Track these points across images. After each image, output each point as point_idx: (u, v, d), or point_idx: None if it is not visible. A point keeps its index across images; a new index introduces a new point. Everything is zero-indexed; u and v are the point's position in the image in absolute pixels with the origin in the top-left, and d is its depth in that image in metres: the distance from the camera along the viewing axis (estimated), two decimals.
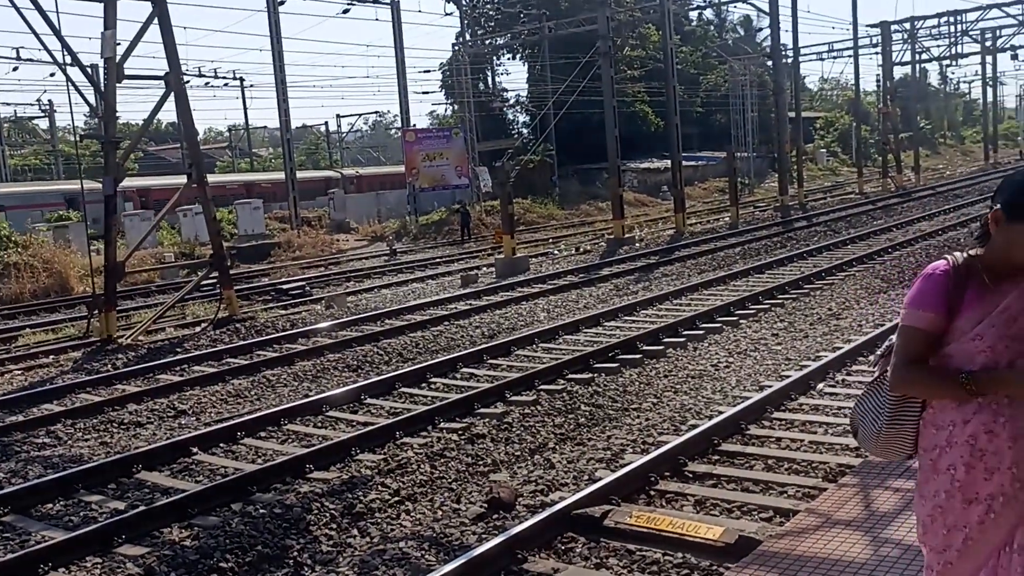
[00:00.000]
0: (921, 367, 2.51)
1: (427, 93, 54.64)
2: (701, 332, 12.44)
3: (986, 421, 2.48)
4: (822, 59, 53.03)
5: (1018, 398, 2.45)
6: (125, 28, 19.76)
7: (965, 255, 2.55)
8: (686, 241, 25.22)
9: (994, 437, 2.48)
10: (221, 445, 8.72)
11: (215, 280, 17.02)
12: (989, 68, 56.24)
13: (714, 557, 5.41)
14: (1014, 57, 47.91)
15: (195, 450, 8.48)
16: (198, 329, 15.51)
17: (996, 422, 2.47)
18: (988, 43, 44.98)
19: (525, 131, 50.27)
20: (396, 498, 7.11)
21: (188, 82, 43.28)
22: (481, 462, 7.85)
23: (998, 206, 2.46)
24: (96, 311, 15.12)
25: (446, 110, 60.14)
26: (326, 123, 68.00)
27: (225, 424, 9.22)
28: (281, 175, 36.98)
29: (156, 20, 15.12)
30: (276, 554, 6.23)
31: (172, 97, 15.52)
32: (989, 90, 61.09)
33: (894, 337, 2.65)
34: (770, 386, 9.22)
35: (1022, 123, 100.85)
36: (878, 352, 2.74)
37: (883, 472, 4.91)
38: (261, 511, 6.82)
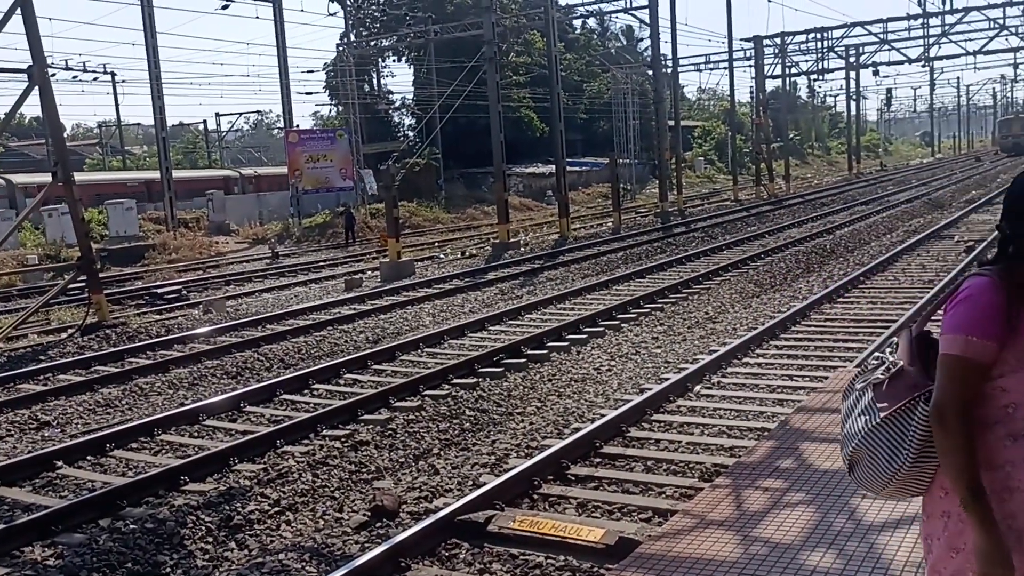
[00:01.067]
0: (968, 433, 2.17)
1: (310, 94, 53.55)
2: (584, 336, 12.64)
3: None
4: (700, 70, 54.74)
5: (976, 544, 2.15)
6: None
7: (1003, 270, 2.20)
8: (570, 246, 25.60)
9: None
10: (88, 458, 8.30)
11: (84, 284, 16.22)
12: (853, 83, 59.40)
13: (595, 559, 5.51)
14: (875, 73, 50.79)
15: (59, 464, 8.05)
16: (64, 336, 14.75)
17: None
18: (852, 59, 47.50)
19: (411, 134, 50.01)
20: (276, 508, 6.94)
21: (55, 75, 41.11)
22: (365, 469, 7.75)
23: None
24: None
25: (330, 111, 59.20)
26: (204, 122, 65.88)
27: (93, 436, 8.79)
28: (187, 173, 35.55)
29: (19, 10, 14.30)
30: (147, 571, 5.98)
31: (36, 91, 14.71)
32: (853, 104, 64.58)
33: (889, 356, 2.36)
34: (650, 389, 9.44)
35: (883, 136, 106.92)
36: (877, 373, 2.38)
37: (754, 473, 5.12)
38: (131, 526, 6.53)
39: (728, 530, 4.23)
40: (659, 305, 14.91)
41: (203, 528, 6.57)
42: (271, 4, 35.71)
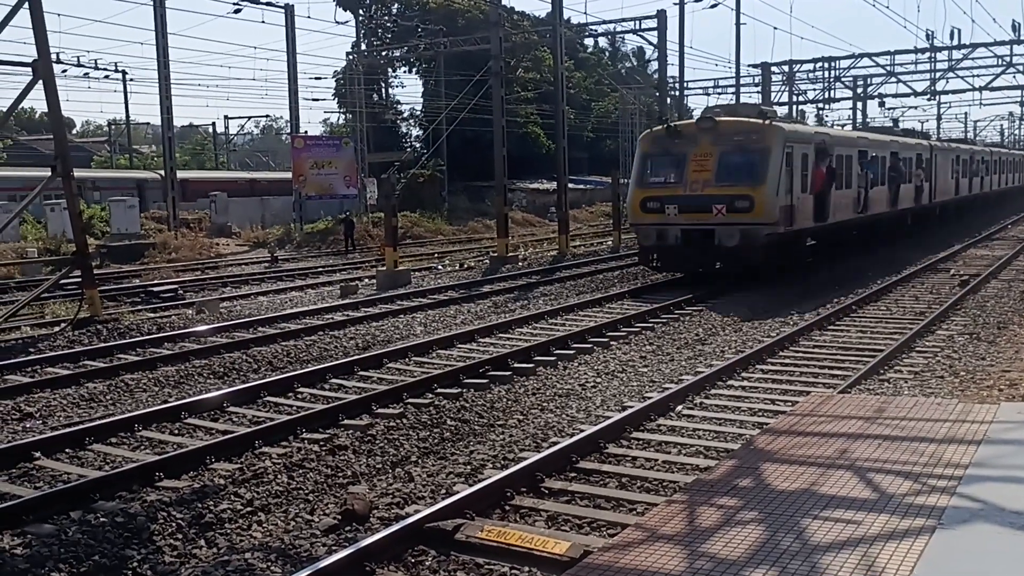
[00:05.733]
0: None
1: (317, 100, 53.72)
2: (572, 352, 12.66)
3: None
4: (708, 94, 55.04)
5: None
6: None
7: None
8: (568, 263, 25.65)
9: None
10: (67, 450, 8.35)
11: (80, 279, 16.31)
12: (860, 114, 59.56)
13: (560, 571, 5.53)
14: (881, 104, 51.02)
15: (37, 455, 8.09)
16: (56, 329, 14.81)
17: None
18: (859, 90, 47.69)
19: (417, 145, 50.23)
20: (248, 508, 6.98)
21: (66, 71, 41.29)
22: (340, 474, 7.79)
23: None
24: None
25: (339, 119, 59.49)
26: (213, 123, 66.27)
27: (73, 428, 8.83)
28: (264, 175, 35.40)
29: (26, 3, 14.45)
30: (114, 564, 6.02)
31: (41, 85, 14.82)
32: None
33: None
34: (632, 407, 9.48)
35: None
36: None
37: (711, 490, 5.16)
38: (102, 519, 6.57)
39: (676, 545, 4.27)
40: (650, 325, 14.94)
41: (173, 524, 6.60)
42: (282, 10, 35.95)
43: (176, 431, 9.13)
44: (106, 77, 47.25)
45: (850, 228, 23.49)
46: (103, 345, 13.41)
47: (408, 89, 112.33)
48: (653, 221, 18.93)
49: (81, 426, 8.96)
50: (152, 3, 32.15)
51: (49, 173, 15.25)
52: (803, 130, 21.14)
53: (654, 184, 19.12)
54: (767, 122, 18.54)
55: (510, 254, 26.94)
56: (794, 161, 18.66)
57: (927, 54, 40.76)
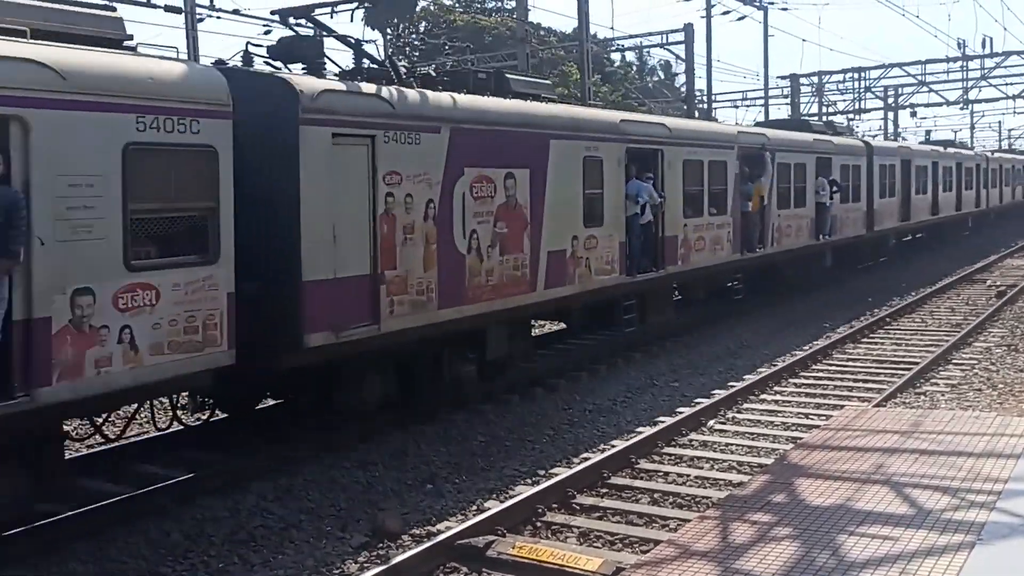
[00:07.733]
0: None
1: None
2: (602, 367, 12.58)
3: None
4: (736, 107, 54.48)
5: None
6: None
7: None
8: None
9: None
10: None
11: None
12: (891, 124, 58.93)
13: None
14: (913, 115, 50.38)
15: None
16: None
17: None
18: (890, 100, 47.21)
19: None
20: (282, 525, 7.01)
21: None
22: (372, 491, 7.81)
23: None
24: None
25: None
26: None
27: (111, 446, 8.91)
28: None
29: None
30: None
31: None
32: None
33: None
34: (663, 421, 9.43)
35: None
36: None
37: (744, 506, 5.11)
38: (138, 536, 6.63)
39: (710, 561, 4.23)
40: (682, 340, 14.81)
41: (206, 541, 6.65)
42: (312, 30, 36.37)
43: (213, 448, 9.17)
44: None
45: None
46: None
47: None
48: None
49: (117, 443, 9.04)
50: (184, 27, 32.68)
51: None
52: None
53: None
54: None
55: None
56: None
57: (959, 63, 40.28)
